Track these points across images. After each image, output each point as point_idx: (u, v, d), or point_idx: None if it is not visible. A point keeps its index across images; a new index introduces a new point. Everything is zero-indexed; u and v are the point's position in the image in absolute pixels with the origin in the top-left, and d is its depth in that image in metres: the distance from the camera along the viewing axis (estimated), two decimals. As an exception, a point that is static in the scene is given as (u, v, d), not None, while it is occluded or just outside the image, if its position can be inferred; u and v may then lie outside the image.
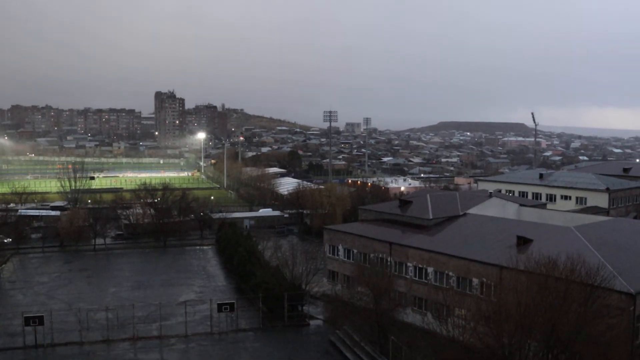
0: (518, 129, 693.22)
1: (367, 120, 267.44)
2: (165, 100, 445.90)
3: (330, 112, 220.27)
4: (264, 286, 66.51)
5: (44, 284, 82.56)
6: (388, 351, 51.44)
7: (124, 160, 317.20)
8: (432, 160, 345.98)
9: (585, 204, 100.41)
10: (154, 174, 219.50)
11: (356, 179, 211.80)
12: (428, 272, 61.74)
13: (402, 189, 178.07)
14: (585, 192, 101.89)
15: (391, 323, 54.37)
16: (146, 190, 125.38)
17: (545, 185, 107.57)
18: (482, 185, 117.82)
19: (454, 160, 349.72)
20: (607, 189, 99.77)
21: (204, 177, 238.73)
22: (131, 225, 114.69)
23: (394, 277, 62.23)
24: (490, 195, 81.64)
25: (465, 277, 57.82)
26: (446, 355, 40.82)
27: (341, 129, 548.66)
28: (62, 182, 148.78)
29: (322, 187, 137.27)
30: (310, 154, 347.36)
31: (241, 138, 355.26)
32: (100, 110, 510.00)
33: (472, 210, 73.84)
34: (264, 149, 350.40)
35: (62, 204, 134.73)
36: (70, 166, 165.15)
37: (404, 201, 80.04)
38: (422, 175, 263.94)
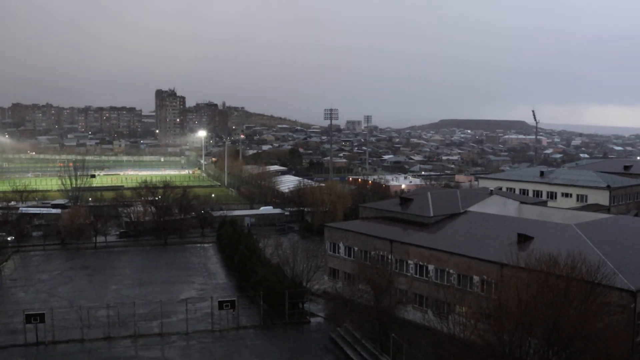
0: (519, 126, 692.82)
1: (367, 118, 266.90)
2: (165, 98, 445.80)
3: (331, 110, 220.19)
4: (264, 284, 66.58)
5: (45, 281, 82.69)
6: (389, 348, 51.50)
7: (125, 158, 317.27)
8: (432, 158, 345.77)
9: (586, 201, 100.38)
10: (154, 172, 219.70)
11: (357, 177, 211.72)
12: (429, 270, 61.79)
13: (403, 186, 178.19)
14: (586, 189, 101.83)
15: (392, 320, 54.43)
16: (147, 188, 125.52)
17: (546, 183, 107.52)
18: (483, 183, 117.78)
19: (455, 158, 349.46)
20: (608, 187, 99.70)
21: (204, 175, 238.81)
22: (132, 223, 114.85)
23: (394, 274, 62.31)
24: (491, 193, 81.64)
25: (466, 274, 57.87)
26: (447, 353, 40.85)
27: (342, 127, 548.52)
28: (63, 180, 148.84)
29: (323, 184, 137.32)
30: (311, 151, 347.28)
31: (242, 136, 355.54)
32: (101, 109, 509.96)
33: (472, 208, 73.85)
34: (265, 147, 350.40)
35: (63, 202, 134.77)
36: (71, 164, 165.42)
37: (404, 199, 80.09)
38: (422, 173, 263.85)
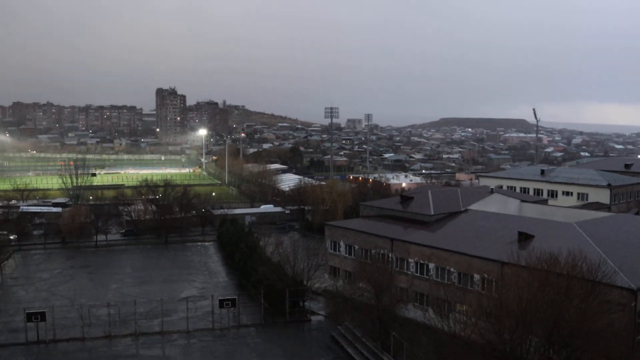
0: (519, 125, 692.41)
1: (368, 117, 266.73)
2: (166, 97, 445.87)
3: (331, 108, 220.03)
4: (265, 282, 66.62)
5: (46, 280, 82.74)
6: (389, 347, 51.51)
7: (126, 156, 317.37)
8: (433, 157, 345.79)
9: (587, 200, 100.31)
10: (155, 171, 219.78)
11: (357, 175, 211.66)
12: (429, 268, 61.81)
13: (404, 185, 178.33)
14: (586, 188, 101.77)
15: (392, 319, 54.41)
16: (148, 186, 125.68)
17: (547, 182, 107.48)
18: (484, 181, 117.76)
19: (455, 156, 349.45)
20: (609, 185, 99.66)
21: (205, 173, 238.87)
22: (133, 221, 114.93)
23: (395, 273, 62.28)
24: (492, 191, 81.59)
25: (466, 273, 57.88)
26: (447, 351, 40.86)
27: (342, 126, 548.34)
28: (64, 179, 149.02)
29: (324, 183, 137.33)
30: (311, 150, 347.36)
31: (242, 134, 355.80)
32: (101, 107, 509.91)
33: (473, 206, 73.83)
34: (265, 146, 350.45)
35: (64, 201, 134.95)
36: (71, 163, 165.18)
37: (405, 197, 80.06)
38: (423, 171, 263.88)
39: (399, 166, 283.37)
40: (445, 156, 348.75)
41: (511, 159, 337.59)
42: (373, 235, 69.60)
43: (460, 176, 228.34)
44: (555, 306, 37.07)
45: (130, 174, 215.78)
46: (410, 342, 48.94)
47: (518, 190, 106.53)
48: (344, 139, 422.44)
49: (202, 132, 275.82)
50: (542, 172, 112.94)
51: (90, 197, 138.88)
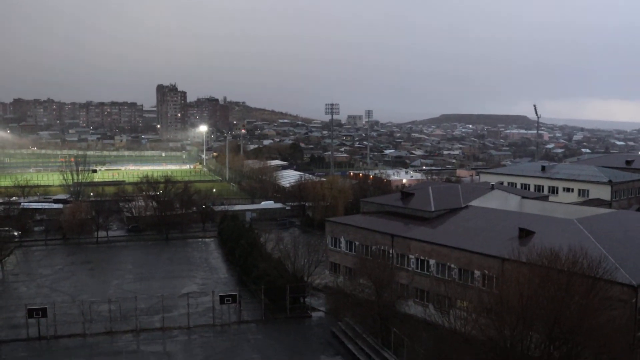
0: (520, 121, 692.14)
1: (369, 113, 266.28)
2: (167, 93, 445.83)
3: (332, 104, 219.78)
4: (266, 278, 66.67)
5: (47, 276, 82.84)
6: (390, 343, 51.57)
7: (126, 153, 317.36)
8: (434, 153, 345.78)
9: (588, 196, 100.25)
10: (156, 167, 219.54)
11: (358, 172, 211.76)
12: (430, 264, 61.82)
13: (404, 181, 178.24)
14: (587, 184, 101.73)
15: (393, 315, 54.47)
16: (148, 183, 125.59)
17: (548, 178, 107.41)
18: (484, 178, 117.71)
19: (456, 152, 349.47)
20: (610, 182, 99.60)
21: (205, 169, 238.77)
22: (134, 218, 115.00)
23: (395, 269, 62.30)
24: (492, 188, 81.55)
25: (467, 269, 57.88)
26: (448, 347, 40.88)
27: (343, 122, 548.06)
28: (65, 175, 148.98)
29: (324, 179, 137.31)
30: (312, 146, 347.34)
31: (243, 131, 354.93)
32: (102, 104, 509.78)
33: (474, 203, 73.81)
34: (266, 142, 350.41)
35: (65, 197, 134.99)
36: (72, 159, 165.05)
37: (406, 193, 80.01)
38: (424, 167, 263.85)
39: (400, 162, 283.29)
40: (445, 152, 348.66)
41: (512, 155, 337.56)
42: (374, 231, 69.60)
43: (460, 172, 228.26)
44: (556, 302, 37.06)
45: (131, 171, 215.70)
46: (410, 338, 48.97)
47: (519, 186, 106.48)
48: (345, 135, 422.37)
49: (203, 128, 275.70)
50: (543, 168, 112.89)
51: (91, 194, 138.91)
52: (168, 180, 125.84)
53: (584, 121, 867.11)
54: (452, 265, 59.39)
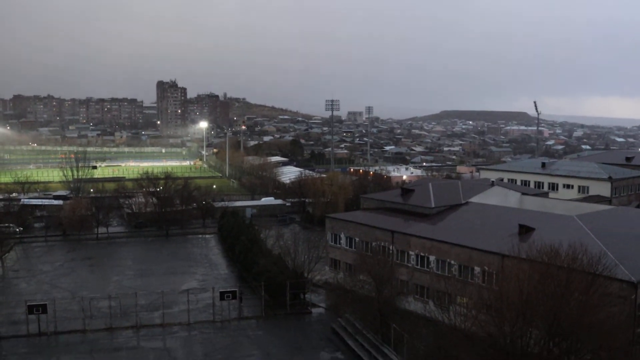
0: (520, 118, 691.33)
1: (369, 109, 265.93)
2: (167, 89, 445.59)
3: (332, 100, 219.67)
4: (266, 274, 66.71)
5: (47, 272, 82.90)
6: (390, 339, 51.60)
7: (126, 149, 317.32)
8: (434, 149, 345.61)
9: (588, 192, 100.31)
10: (156, 163, 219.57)
11: (358, 168, 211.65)
12: (430, 261, 61.86)
13: (404, 177, 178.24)
14: (587, 181, 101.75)
15: (393, 311, 54.50)
16: (148, 179, 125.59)
17: (548, 174, 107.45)
18: (484, 174, 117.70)
19: (456, 149, 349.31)
20: (610, 178, 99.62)
21: (206, 166, 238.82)
22: (134, 214, 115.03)
23: (395, 265, 62.37)
24: (493, 184, 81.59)
25: (467, 265, 57.93)
26: (448, 343, 40.93)
27: (343, 118, 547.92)
28: (65, 172, 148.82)
29: (324, 175, 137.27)
30: (312, 142, 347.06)
31: (243, 127, 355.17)
32: (102, 100, 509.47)
33: (474, 199, 73.83)
34: (266, 138, 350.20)
35: (65, 193, 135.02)
36: (72, 155, 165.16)
37: (406, 190, 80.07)
38: (424, 164, 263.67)
39: (400, 159, 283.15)
40: (446, 149, 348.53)
41: (512, 151, 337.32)
42: (374, 227, 69.64)
43: (461, 169, 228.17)
44: (556, 299, 37.09)
45: (131, 167, 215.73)
46: (410, 334, 49.02)
47: (519, 183, 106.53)
48: (345, 132, 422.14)
49: (203, 124, 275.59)
50: (543, 165, 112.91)
51: (91, 190, 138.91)
52: (168, 177, 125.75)
53: (584, 118, 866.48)
54: (452, 262, 59.43)
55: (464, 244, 59.19)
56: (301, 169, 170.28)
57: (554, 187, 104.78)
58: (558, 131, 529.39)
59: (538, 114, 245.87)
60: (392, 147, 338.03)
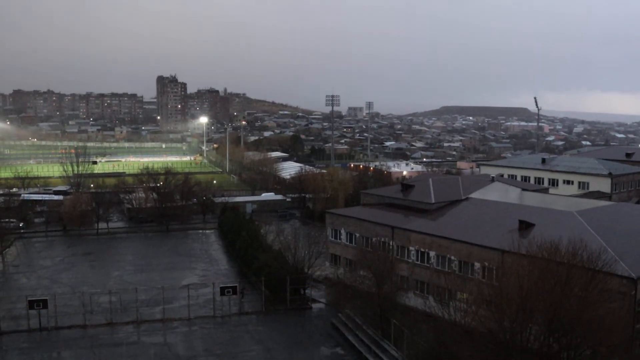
0: (521, 113, 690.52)
1: (369, 105, 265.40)
2: (167, 84, 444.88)
3: (332, 96, 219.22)
4: (266, 270, 66.79)
5: (48, 267, 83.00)
6: (390, 334, 51.71)
7: (126, 144, 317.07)
8: (434, 145, 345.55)
9: (588, 188, 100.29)
10: (156, 159, 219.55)
11: (358, 163, 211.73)
12: (430, 256, 61.91)
13: (405, 173, 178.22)
14: (587, 177, 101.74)
15: (393, 306, 54.59)
16: (149, 174, 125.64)
17: (548, 170, 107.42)
18: (485, 170, 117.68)
19: (457, 144, 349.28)
20: (610, 174, 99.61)
21: (206, 161, 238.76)
22: (134, 209, 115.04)
23: (396, 261, 62.39)
24: (493, 180, 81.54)
25: (467, 261, 57.96)
26: (448, 339, 41.01)
27: (343, 113, 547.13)
28: (65, 167, 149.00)
29: (325, 171, 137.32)
30: (312, 138, 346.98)
31: (243, 122, 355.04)
32: (102, 95, 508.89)
33: (474, 195, 73.82)
34: (266, 134, 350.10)
35: (65, 189, 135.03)
36: (72, 151, 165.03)
37: (406, 185, 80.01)
38: (424, 159, 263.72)
39: (400, 154, 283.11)
40: (446, 144, 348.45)
41: (512, 147, 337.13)
42: (374, 223, 69.65)
43: (461, 164, 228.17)
44: (556, 294, 37.13)
45: (131, 162, 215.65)
46: (410, 329, 49.09)
47: (519, 178, 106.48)
48: (345, 127, 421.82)
49: (203, 120, 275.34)
50: (543, 160, 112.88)
51: (91, 185, 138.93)
52: (168, 172, 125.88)
53: (585, 113, 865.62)
54: (452, 257, 59.47)
55: (464, 239, 59.21)
56: (301, 165, 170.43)
57: (554, 183, 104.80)
58: (558, 127, 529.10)
59: (538, 109, 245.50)
60: (393, 142, 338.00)
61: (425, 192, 74.44)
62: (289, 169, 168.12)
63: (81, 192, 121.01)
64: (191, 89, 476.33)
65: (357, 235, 71.29)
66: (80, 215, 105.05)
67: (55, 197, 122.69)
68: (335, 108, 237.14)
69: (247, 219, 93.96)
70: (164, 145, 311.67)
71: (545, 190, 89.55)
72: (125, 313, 62.62)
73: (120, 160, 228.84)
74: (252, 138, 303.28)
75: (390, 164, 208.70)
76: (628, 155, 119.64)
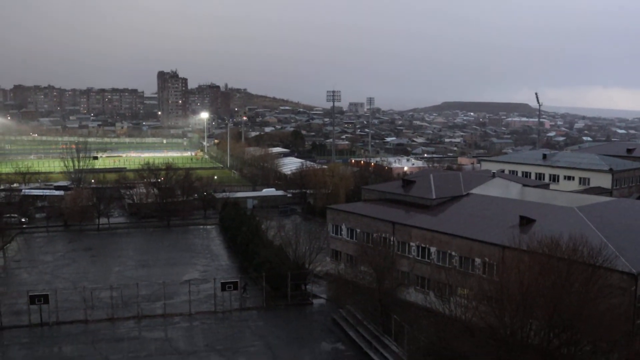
0: (522, 109, 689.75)
1: (370, 100, 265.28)
2: (168, 80, 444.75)
3: (333, 91, 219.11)
4: (267, 265, 66.86)
5: (49, 263, 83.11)
6: (390, 330, 51.78)
7: (127, 140, 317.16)
8: (435, 141, 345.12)
9: (589, 184, 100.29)
10: (157, 154, 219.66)
11: (359, 159, 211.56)
12: (431, 252, 61.96)
13: (406, 169, 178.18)
14: (588, 172, 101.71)
15: (394, 302, 54.65)
16: (149, 170, 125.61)
17: (549, 166, 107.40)
18: (485, 166, 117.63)
19: (457, 140, 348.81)
20: (611, 170, 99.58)
21: (207, 157, 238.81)
22: (135, 205, 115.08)
23: (396, 256, 62.43)
24: (494, 176, 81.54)
25: (467, 256, 58.01)
26: (448, 334, 41.07)
27: (344, 109, 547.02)
28: (66, 162, 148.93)
29: (326, 167, 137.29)
30: (313, 133, 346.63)
31: (244, 118, 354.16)
32: (103, 90, 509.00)
33: (475, 190, 73.84)
34: (267, 129, 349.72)
35: (66, 184, 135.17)
36: (73, 146, 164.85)
37: (407, 181, 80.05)
38: (425, 155, 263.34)
39: (401, 150, 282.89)
40: (447, 140, 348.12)
41: (513, 143, 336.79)
42: (375, 218, 69.71)
43: (462, 160, 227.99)
44: (556, 290, 37.17)
45: (132, 157, 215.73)
46: (411, 325, 49.16)
47: (520, 174, 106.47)
48: (346, 123, 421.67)
49: (204, 115, 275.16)
50: (544, 156, 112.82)
51: (92, 180, 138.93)
52: (169, 167, 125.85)
53: (586, 109, 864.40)
54: (453, 253, 59.52)
55: (465, 235, 59.25)
56: (302, 160, 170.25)
57: (554, 178, 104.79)
58: (559, 123, 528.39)
59: (539, 105, 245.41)
60: (394, 138, 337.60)
61: (426, 188, 74.47)
62: (290, 164, 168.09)
63: (82, 188, 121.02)
64: (192, 85, 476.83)
65: (358, 230, 71.36)
66: (81, 210, 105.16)
67: (56, 193, 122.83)
68: (337, 104, 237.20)
69: (248, 215, 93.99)
70: (164, 141, 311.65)
71: (546, 186, 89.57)
72: (126, 308, 62.75)
73: (121, 156, 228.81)
74: (253, 133, 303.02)
75: (391, 159, 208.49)
76: (629, 151, 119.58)
